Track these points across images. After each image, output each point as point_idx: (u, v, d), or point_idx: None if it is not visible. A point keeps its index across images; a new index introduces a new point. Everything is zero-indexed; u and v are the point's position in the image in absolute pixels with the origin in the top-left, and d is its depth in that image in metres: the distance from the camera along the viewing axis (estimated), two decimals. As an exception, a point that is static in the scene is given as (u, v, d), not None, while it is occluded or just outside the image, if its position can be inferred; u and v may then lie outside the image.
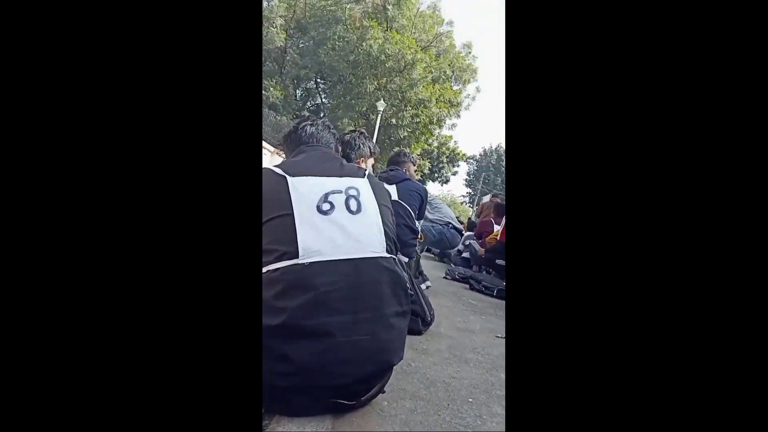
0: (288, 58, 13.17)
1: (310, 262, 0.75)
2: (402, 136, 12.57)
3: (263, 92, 11.17)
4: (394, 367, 0.88)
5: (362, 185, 0.87)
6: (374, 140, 12.09)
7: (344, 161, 0.95)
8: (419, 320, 1.51)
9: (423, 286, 2.52)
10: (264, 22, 11.89)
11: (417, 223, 2.15)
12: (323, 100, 15.17)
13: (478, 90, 14.60)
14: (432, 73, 12.36)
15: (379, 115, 11.17)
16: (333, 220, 0.79)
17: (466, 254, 4.33)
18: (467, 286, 3.10)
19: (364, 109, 11.95)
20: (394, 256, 0.87)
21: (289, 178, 0.81)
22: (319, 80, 14.57)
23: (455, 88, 13.66)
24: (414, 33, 12.59)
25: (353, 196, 0.84)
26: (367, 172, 0.92)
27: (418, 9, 13.18)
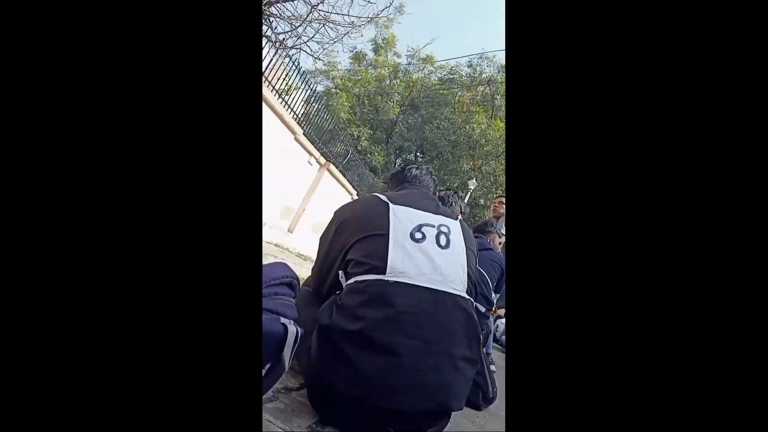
0: (396, 129, 14.41)
1: (395, 281, 0.79)
2: (488, 217, 12.49)
3: (368, 155, 12.21)
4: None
5: (454, 225, 0.92)
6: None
7: (440, 203, 1.02)
8: (480, 393, 1.41)
9: (493, 368, 2.34)
10: (383, 96, 13.35)
11: (493, 294, 2.07)
12: (420, 171, 16.01)
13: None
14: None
15: (469, 193, 11.34)
16: (423, 249, 0.84)
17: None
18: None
19: (456, 185, 12.26)
20: (472, 300, 0.87)
21: (391, 205, 0.89)
22: (419, 154, 15.54)
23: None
24: (518, 124, 12.96)
25: (444, 232, 0.88)
26: (459, 218, 0.97)
27: (526, 103, 13.68)
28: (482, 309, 2.00)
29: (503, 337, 4.13)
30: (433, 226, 0.88)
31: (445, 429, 0.74)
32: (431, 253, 0.84)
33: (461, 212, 1.76)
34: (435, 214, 0.92)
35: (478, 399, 1.39)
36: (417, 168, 1.11)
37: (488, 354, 2.34)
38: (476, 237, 2.26)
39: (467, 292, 0.85)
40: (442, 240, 0.87)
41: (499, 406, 1.50)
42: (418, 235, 0.85)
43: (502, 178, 12.09)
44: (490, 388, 1.45)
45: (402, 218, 0.87)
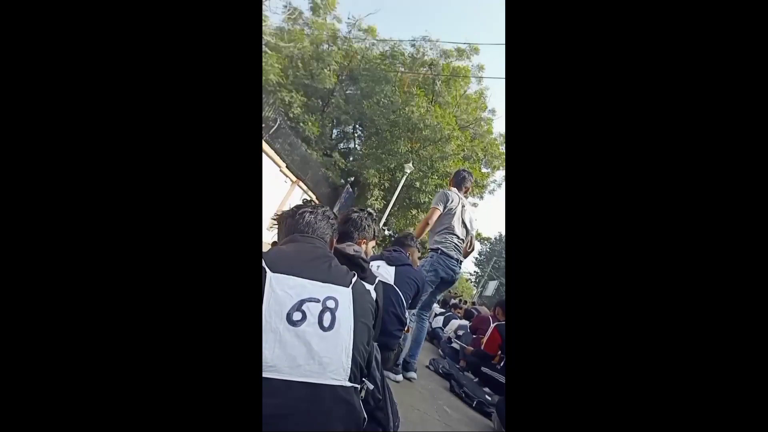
0: (333, 100, 13.88)
1: (264, 377, 0.67)
2: (422, 201, 12.73)
3: (301, 124, 11.65)
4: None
5: (344, 297, 0.81)
6: (395, 198, 12.24)
7: (334, 262, 0.89)
8: (381, 431, 1.37)
9: (398, 378, 2.35)
10: (320, 62, 12.69)
11: (407, 312, 2.05)
12: (357, 146, 15.71)
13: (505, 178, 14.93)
14: (464, 151, 12.76)
15: (405, 176, 11.42)
16: (300, 334, 0.72)
17: (455, 345, 4.11)
18: (449, 385, 2.89)
19: (392, 165, 12.27)
20: (356, 385, 0.78)
21: (269, 274, 0.75)
22: (358, 127, 15.21)
23: (484, 170, 14.00)
24: (456, 112, 13.21)
25: (330, 309, 0.77)
26: (353, 281, 0.86)
27: (465, 91, 13.95)
28: (395, 330, 1.97)
29: (456, 336, 4.26)
30: (318, 301, 0.77)
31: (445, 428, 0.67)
32: (309, 338, 0.73)
33: (374, 236, 1.67)
34: (323, 282, 0.80)
35: (378, 437, 1.35)
36: (311, 212, 0.96)
37: (407, 364, 2.35)
38: (396, 250, 2.21)
39: (350, 377, 0.77)
40: (326, 320, 0.76)
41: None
42: (296, 316, 0.73)
43: (438, 164, 12.34)
44: (392, 422, 1.42)
45: (280, 293, 0.74)
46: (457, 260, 2.50)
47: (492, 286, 24.34)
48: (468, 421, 2.22)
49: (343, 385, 0.74)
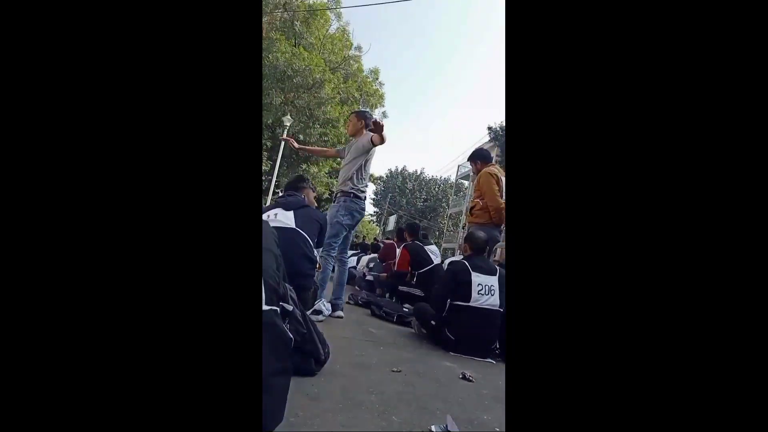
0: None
1: None
2: (303, 172, 12.42)
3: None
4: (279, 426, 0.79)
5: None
6: (280, 155, 11.60)
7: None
8: (312, 360, 1.43)
9: (336, 313, 2.43)
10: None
11: (316, 251, 2.08)
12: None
13: (384, 115, 15.23)
14: (340, 94, 12.53)
15: (286, 130, 10.87)
16: None
17: (370, 277, 4.35)
18: (369, 311, 3.09)
19: (270, 122, 11.53)
20: (275, 308, 0.79)
21: None
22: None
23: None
24: (323, 54, 12.68)
25: None
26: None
27: (327, 30, 13.35)
28: (308, 270, 1.99)
29: (369, 269, 4.41)
30: None
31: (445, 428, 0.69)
32: None
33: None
34: None
35: (311, 365, 1.41)
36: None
37: (318, 312, 2.41)
38: (290, 194, 2.16)
39: (266, 302, 0.77)
40: None
41: (334, 359, 1.58)
42: None
43: (317, 112, 11.95)
44: (321, 350, 1.49)
45: None
46: (365, 201, 2.63)
47: (392, 220, 25.75)
48: (393, 333, 2.44)
49: (264, 309, 0.75)
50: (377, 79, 14.48)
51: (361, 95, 13.68)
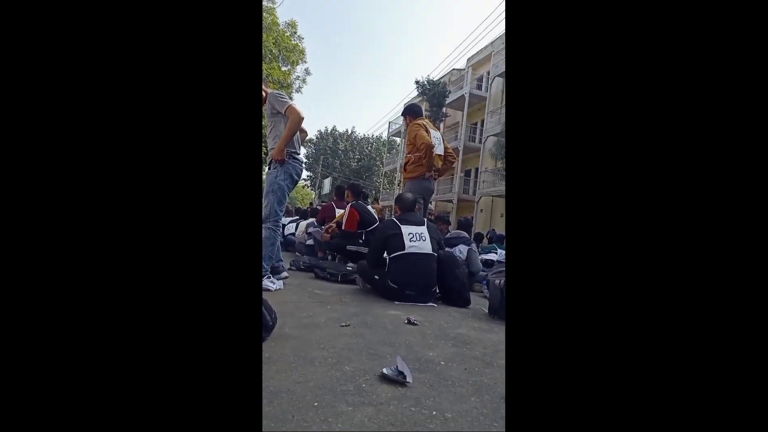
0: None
1: None
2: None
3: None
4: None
5: None
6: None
7: None
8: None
9: (275, 286, 2.39)
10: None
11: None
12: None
13: (308, 72, 14.47)
14: (257, 51, 11.58)
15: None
16: None
17: (310, 242, 4.32)
18: (313, 275, 3.11)
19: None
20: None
21: None
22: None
23: (284, 68, 13.20)
24: (232, 4, 11.46)
25: None
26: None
27: (235, -22, 12.01)
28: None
29: (308, 234, 4.36)
30: None
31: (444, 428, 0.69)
32: None
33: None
34: None
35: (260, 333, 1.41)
36: None
37: (265, 274, 2.37)
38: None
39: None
40: None
41: (282, 323, 1.58)
42: None
43: (233, 72, 11.01)
44: (268, 317, 1.48)
45: None
46: (302, 163, 2.57)
47: (327, 183, 25.39)
48: (338, 292, 2.50)
49: None
50: (295, 32, 13.56)
51: (279, 51, 12.78)
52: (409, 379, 1.11)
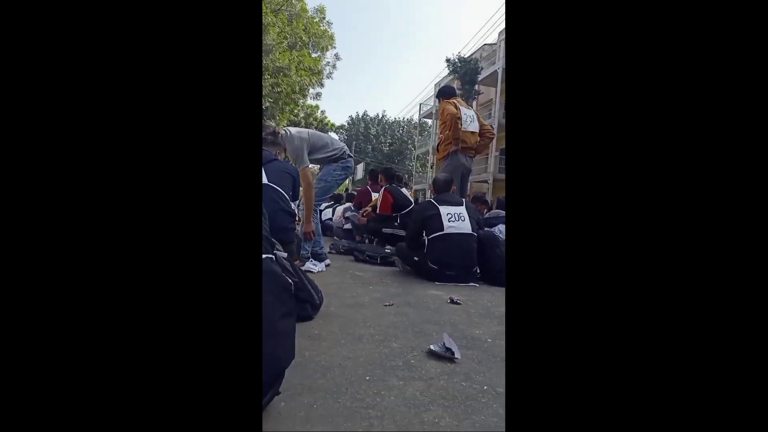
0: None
1: None
2: (265, 107, 11.78)
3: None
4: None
5: None
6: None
7: None
8: (308, 306, 1.48)
9: (318, 268, 2.47)
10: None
11: (293, 204, 2.06)
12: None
13: (338, 57, 14.42)
14: (287, 39, 11.67)
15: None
16: None
17: (348, 226, 4.39)
18: (352, 257, 3.16)
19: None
20: (269, 255, 0.80)
21: None
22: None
23: (314, 55, 13.23)
24: (261, -6, 11.54)
25: None
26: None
27: (261, -35, 12.06)
28: (288, 224, 1.98)
29: (345, 218, 4.47)
30: None
31: (443, 428, 0.73)
32: None
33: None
34: None
35: (308, 311, 1.47)
36: None
37: (307, 258, 2.44)
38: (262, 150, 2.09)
39: (263, 251, 0.77)
40: None
41: (328, 303, 1.64)
42: None
43: (266, 62, 11.16)
44: (315, 296, 1.54)
45: None
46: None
47: (360, 168, 25.53)
48: (378, 274, 2.53)
49: (268, 257, 0.75)
50: (324, 18, 13.50)
51: (309, 38, 12.81)
52: (457, 355, 1.12)
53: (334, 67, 14.26)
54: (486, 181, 15.46)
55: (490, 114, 15.84)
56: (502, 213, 3.64)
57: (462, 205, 2.44)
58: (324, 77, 13.78)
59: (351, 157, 2.64)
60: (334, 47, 13.90)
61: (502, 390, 0.96)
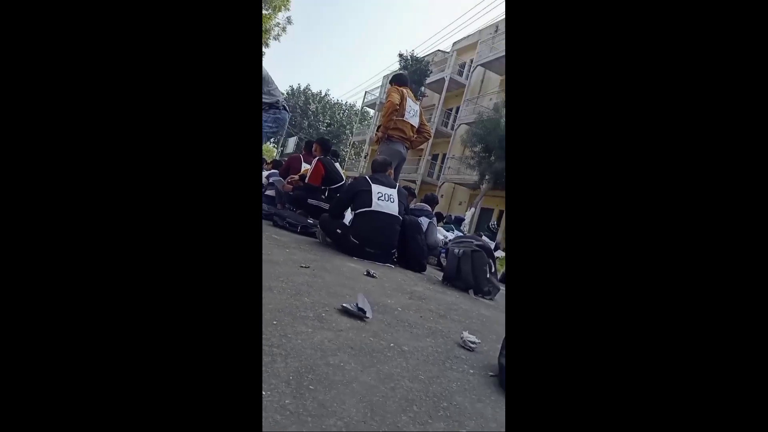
0: None
1: None
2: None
3: None
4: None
5: None
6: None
7: None
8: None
9: None
10: None
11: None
12: None
13: (289, 21, 13.61)
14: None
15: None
16: None
17: (270, 192, 4.18)
18: (271, 223, 3.02)
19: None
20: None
21: None
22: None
23: (265, 12, 12.33)
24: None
25: None
26: None
27: None
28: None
29: (268, 183, 4.17)
30: None
31: (442, 427, 0.67)
32: None
33: None
34: None
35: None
36: None
37: None
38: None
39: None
40: None
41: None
42: None
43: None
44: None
45: None
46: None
47: (291, 142, 24.61)
48: (297, 241, 2.45)
49: None
50: (283, -25, 12.65)
51: (263, -8, 11.90)
52: (369, 314, 1.12)
53: (283, 29, 13.46)
54: (414, 182, 15.97)
55: (431, 118, 16.37)
56: (427, 207, 3.78)
57: (394, 188, 2.47)
58: (270, 37, 12.94)
59: (287, 110, 2.47)
60: (288, 9, 13.13)
61: (407, 348, 0.99)
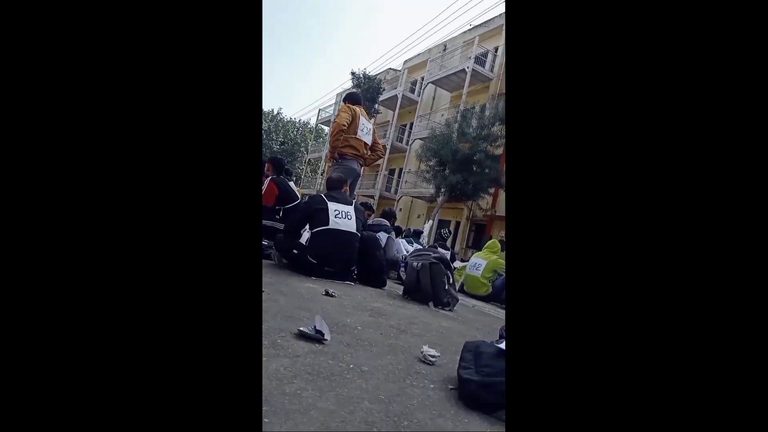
0: None
1: None
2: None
3: None
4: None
5: None
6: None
7: None
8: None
9: None
10: None
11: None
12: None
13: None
14: None
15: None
16: None
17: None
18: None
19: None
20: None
21: None
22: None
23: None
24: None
25: None
26: None
27: None
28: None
29: None
30: None
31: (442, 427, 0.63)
32: None
33: None
34: None
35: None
36: None
37: None
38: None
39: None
40: None
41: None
42: None
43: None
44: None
45: None
46: None
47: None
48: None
49: None
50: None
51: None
52: (327, 337, 1.10)
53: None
54: (372, 197, 16.05)
55: (385, 134, 16.64)
56: (386, 222, 3.80)
57: (351, 205, 2.47)
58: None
59: None
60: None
61: (367, 368, 0.97)
